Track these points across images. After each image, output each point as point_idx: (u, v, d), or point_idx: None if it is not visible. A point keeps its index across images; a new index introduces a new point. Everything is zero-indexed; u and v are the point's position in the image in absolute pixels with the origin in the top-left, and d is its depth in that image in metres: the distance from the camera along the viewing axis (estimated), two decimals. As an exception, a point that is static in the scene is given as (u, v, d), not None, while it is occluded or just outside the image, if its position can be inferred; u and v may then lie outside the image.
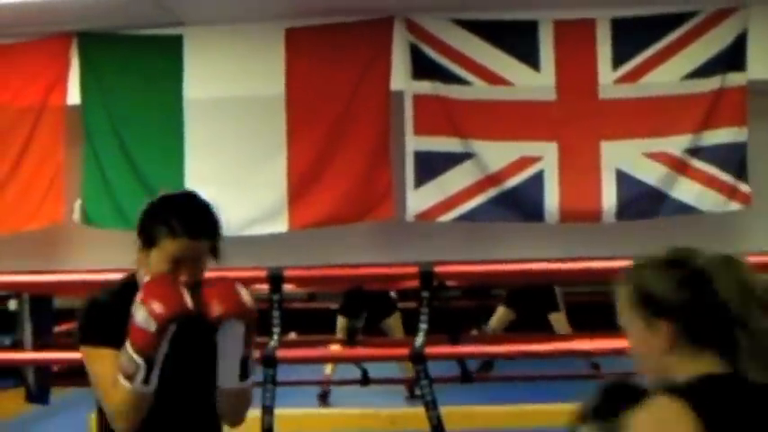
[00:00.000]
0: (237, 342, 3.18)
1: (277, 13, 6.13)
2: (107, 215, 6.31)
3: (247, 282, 6.58)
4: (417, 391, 6.43)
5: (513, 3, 6.02)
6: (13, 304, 9.17)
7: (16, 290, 7.34)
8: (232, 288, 3.19)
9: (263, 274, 5.64)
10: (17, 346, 7.44)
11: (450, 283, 6.07)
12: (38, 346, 7.24)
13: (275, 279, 5.63)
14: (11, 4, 5.81)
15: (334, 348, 7.96)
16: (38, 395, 7.31)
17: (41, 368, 7.41)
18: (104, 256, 6.45)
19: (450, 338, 6.35)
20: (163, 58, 6.29)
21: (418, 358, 5.33)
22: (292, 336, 9.70)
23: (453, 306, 9.46)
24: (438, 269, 5.63)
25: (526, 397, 6.92)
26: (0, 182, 6.39)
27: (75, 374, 8.58)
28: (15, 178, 6.38)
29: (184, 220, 3.20)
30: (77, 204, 6.34)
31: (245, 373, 3.23)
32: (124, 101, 6.33)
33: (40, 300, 7.60)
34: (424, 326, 5.52)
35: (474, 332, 9.78)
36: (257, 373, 3.69)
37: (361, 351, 7.62)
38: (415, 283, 5.68)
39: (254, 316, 3.21)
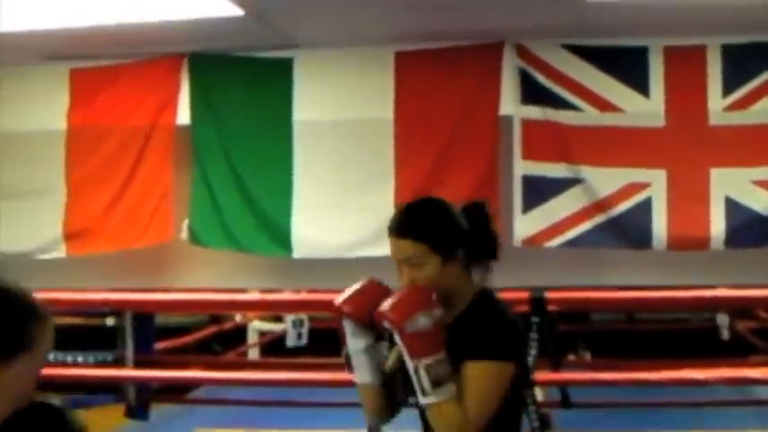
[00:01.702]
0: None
1: (387, 37, 6.31)
2: (214, 235, 6.54)
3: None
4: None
5: (622, 29, 6.13)
6: (110, 320, 9.46)
7: (123, 308, 7.62)
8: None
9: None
10: (118, 362, 7.72)
11: (551, 308, 6.24)
12: (139, 363, 7.51)
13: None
14: (124, 26, 6.04)
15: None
16: (138, 411, 7.55)
17: (142, 384, 7.67)
18: (211, 276, 6.76)
19: (551, 363, 6.51)
20: (273, 79, 6.51)
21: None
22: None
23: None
24: (549, 295, 5.83)
25: (627, 423, 7.04)
26: (110, 200, 6.66)
27: (175, 391, 8.92)
28: (125, 196, 6.64)
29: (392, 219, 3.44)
30: (185, 224, 6.60)
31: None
32: (233, 122, 6.57)
33: (143, 316, 7.87)
34: (533, 351, 5.72)
35: (571, 357, 9.89)
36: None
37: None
38: (524, 309, 5.87)
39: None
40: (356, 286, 3.43)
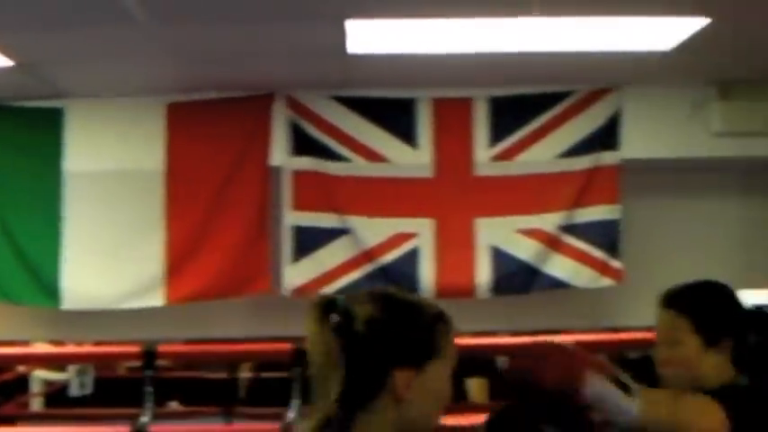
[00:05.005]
0: None
1: (159, 88, 6.50)
2: (-19, 286, 6.54)
3: (120, 357, 7.12)
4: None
5: (392, 81, 6.46)
6: None
7: None
8: None
9: (136, 349, 6.13)
10: None
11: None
12: None
13: (148, 355, 6.11)
14: None
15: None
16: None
17: None
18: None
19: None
20: (43, 130, 6.61)
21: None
22: (173, 405, 10.07)
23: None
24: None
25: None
26: None
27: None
28: None
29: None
30: (-47, 276, 6.60)
31: None
32: (2, 172, 6.64)
33: None
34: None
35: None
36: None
37: (241, 426, 7.99)
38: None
39: None
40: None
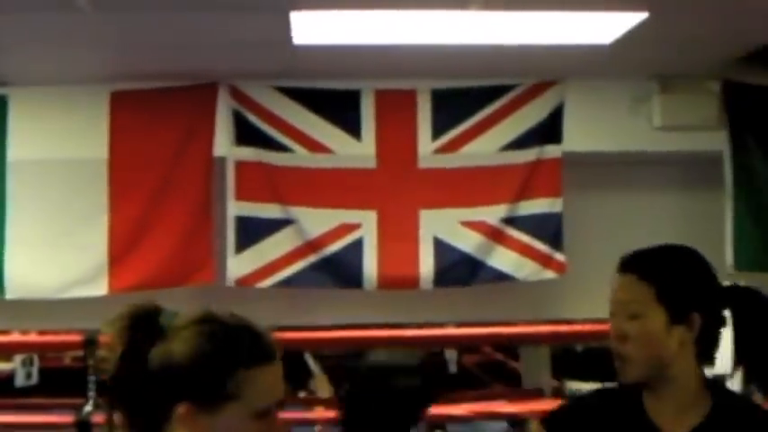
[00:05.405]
0: None
1: (103, 76, 6.50)
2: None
3: (61, 346, 7.13)
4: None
5: (336, 72, 6.51)
6: None
7: None
8: None
9: (78, 338, 6.15)
10: None
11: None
12: None
13: (90, 344, 6.13)
14: None
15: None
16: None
17: None
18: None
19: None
20: None
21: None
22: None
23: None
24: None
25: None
26: None
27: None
28: None
29: None
30: None
31: None
32: (-56, 160, 6.50)
33: None
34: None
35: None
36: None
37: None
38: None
39: None
40: None
